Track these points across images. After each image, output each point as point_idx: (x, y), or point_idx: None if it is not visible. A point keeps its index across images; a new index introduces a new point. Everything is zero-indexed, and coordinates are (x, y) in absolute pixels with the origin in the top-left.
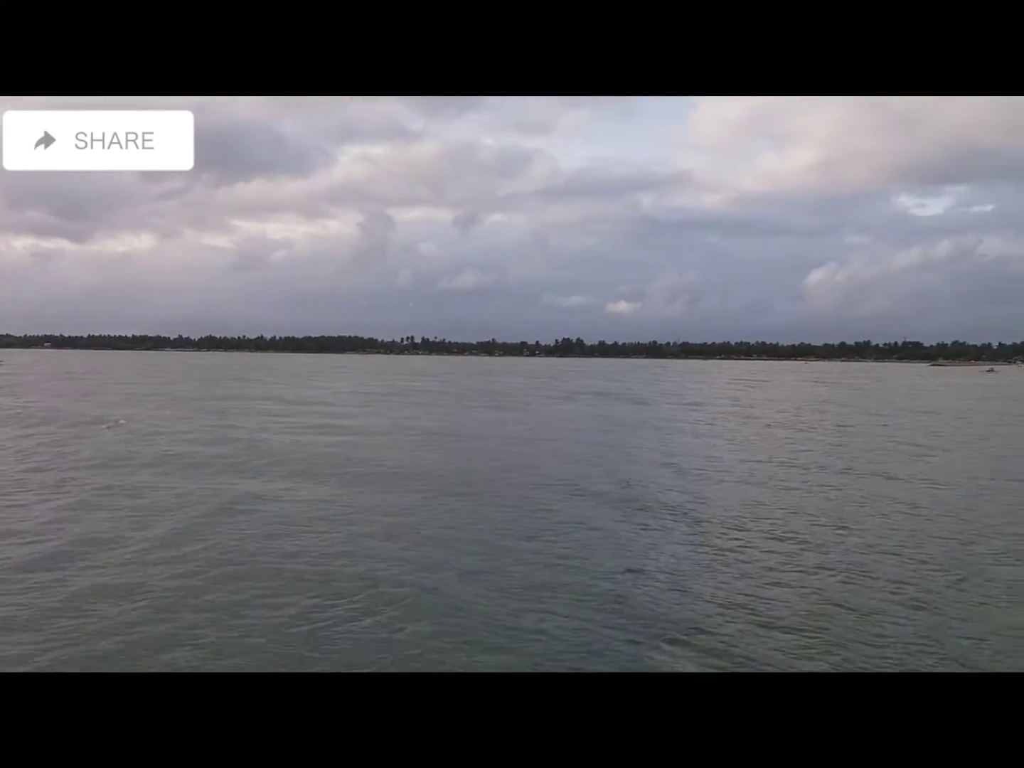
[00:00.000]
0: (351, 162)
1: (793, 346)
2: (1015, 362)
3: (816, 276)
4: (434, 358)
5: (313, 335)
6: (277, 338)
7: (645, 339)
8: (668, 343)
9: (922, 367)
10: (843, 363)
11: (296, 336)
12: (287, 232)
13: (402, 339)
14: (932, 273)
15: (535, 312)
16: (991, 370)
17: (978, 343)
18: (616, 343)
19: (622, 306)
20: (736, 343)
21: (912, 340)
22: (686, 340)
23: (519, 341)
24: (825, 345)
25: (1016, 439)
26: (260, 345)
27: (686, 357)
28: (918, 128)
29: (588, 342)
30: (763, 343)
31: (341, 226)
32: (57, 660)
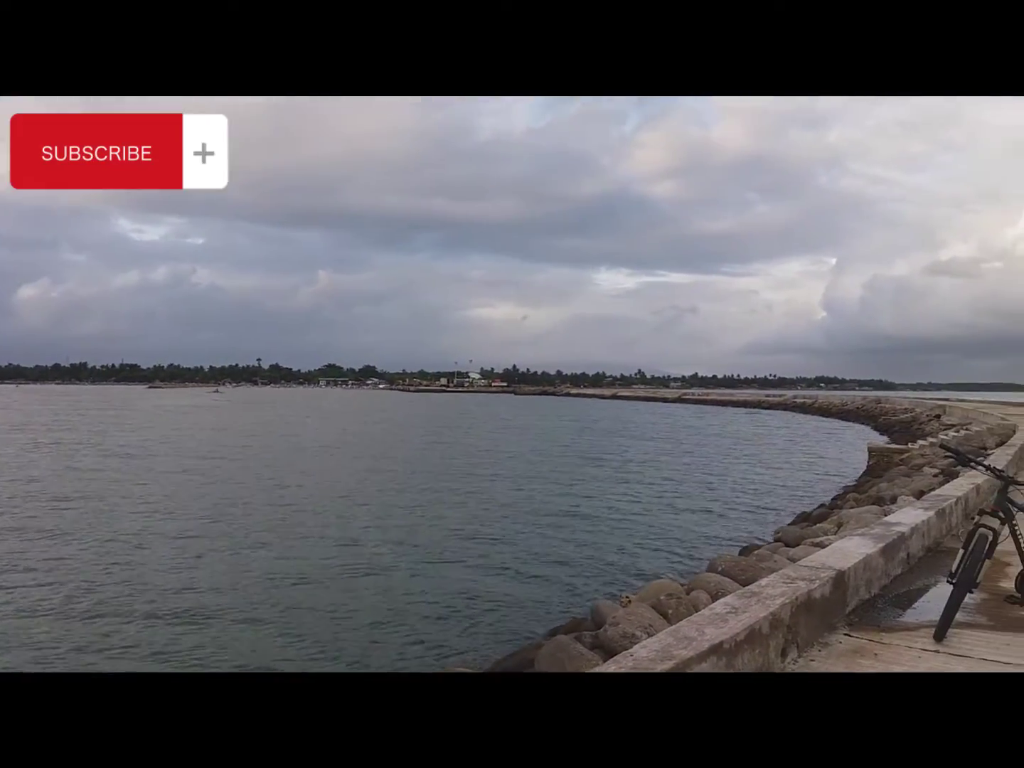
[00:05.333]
0: None
1: (2, 368)
2: (225, 383)
3: (28, 292)
4: None
5: None
6: None
7: None
8: None
9: (141, 389)
10: (60, 385)
11: None
12: None
13: None
14: (150, 296)
15: None
16: (217, 390)
17: (192, 366)
18: None
19: None
20: None
21: (130, 362)
22: None
23: None
24: (38, 367)
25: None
26: None
27: None
28: None
29: None
30: None
31: None
32: None
